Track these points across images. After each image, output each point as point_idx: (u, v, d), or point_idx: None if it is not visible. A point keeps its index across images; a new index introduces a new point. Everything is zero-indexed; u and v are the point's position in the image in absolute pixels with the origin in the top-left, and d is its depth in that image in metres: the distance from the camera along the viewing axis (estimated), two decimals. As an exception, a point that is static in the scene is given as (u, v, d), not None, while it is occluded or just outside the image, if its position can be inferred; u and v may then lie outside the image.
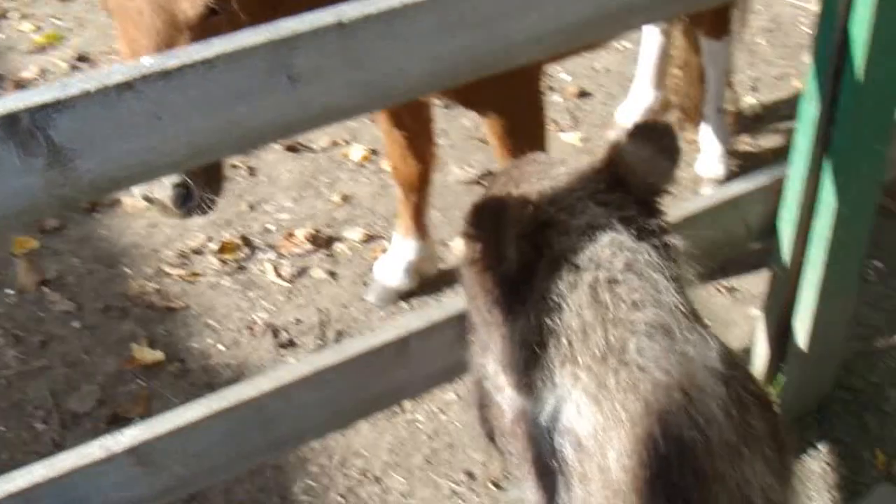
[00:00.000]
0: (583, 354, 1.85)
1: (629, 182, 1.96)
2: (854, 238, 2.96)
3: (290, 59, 1.85)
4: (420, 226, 3.94)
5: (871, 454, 3.31)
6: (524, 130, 3.34)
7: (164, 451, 2.32)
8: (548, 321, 1.87)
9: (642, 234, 1.92)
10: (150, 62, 1.78)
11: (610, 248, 1.89)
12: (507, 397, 2.02)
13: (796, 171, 2.83)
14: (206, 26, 2.38)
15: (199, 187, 2.60)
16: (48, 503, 2.22)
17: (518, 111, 3.30)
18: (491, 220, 1.87)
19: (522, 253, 1.89)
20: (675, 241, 1.97)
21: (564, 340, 1.86)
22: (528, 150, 3.38)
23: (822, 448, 3.32)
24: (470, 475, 3.33)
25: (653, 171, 1.96)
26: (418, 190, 3.84)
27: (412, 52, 1.98)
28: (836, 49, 2.57)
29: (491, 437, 2.22)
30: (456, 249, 4.16)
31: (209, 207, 2.68)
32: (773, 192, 2.95)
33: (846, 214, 2.82)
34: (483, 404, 2.17)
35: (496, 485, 3.29)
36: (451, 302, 2.67)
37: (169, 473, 2.35)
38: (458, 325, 2.46)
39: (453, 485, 3.29)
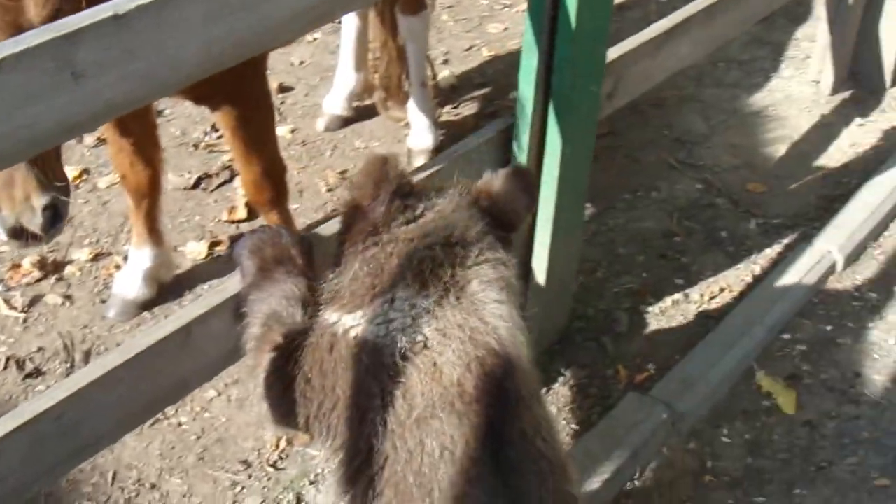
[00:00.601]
0: (431, 279, 2.13)
1: (489, 201, 2.32)
2: (579, 174, 3.25)
3: (74, 55, 1.85)
4: (154, 233, 3.93)
5: (613, 371, 3.64)
6: (255, 120, 3.44)
7: (-35, 480, 2.26)
8: (405, 251, 2.16)
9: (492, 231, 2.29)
10: (-66, 73, 1.75)
11: (468, 220, 2.24)
12: (329, 324, 2.20)
13: (523, 119, 3.07)
14: None
15: (65, 202, 2.53)
16: None
17: (250, 102, 3.39)
18: (376, 172, 2.25)
19: (392, 203, 2.23)
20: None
21: (414, 267, 2.14)
22: (259, 138, 3.50)
23: (570, 374, 3.61)
24: (246, 464, 3.37)
25: (510, 199, 2.35)
26: (149, 196, 3.84)
27: (184, 40, 2.03)
28: (551, 2, 2.82)
29: (280, 398, 2.31)
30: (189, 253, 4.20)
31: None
32: (503, 143, 3.18)
33: (571, 153, 3.10)
34: (283, 356, 2.27)
35: (274, 466, 3.36)
36: (224, 286, 2.72)
37: (-27, 501, 2.29)
38: (234, 305, 2.55)
39: (231, 475, 3.33)
